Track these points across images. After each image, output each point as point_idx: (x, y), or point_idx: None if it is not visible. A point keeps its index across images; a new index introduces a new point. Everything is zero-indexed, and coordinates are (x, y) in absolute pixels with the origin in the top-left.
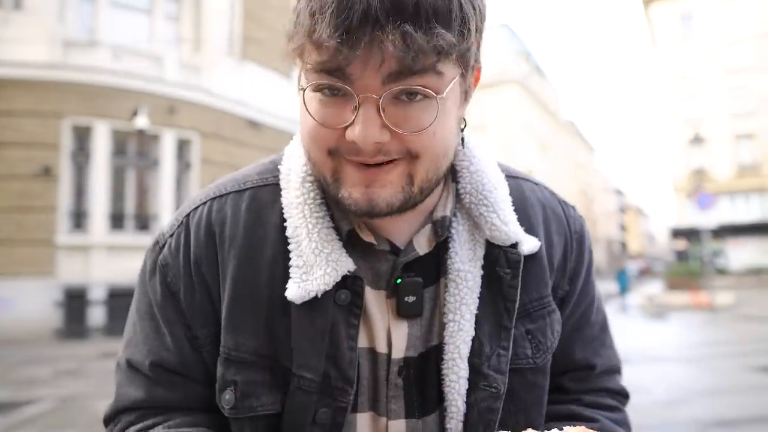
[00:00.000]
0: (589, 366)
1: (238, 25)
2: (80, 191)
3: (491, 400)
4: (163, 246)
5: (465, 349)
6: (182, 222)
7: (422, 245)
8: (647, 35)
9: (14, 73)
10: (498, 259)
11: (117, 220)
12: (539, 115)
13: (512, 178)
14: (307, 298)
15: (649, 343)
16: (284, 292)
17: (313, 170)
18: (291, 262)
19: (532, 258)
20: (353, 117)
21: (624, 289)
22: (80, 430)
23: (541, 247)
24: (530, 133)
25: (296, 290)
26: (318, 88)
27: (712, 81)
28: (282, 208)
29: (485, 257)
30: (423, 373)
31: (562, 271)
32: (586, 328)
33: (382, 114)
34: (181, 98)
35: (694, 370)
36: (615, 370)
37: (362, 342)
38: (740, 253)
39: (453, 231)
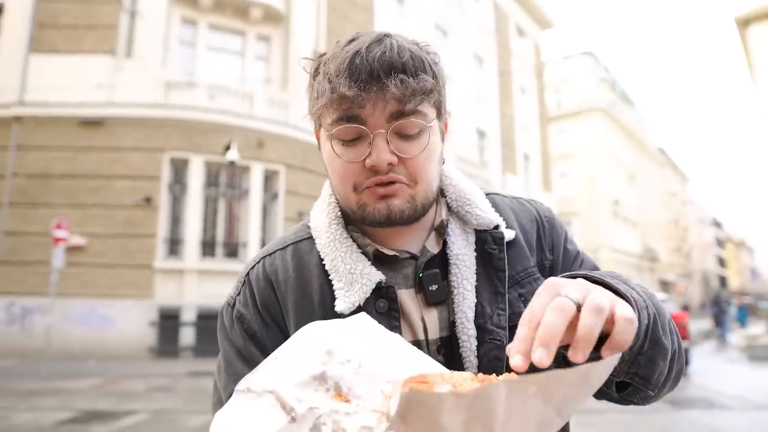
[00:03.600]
0: None
1: None
2: (176, 219)
3: (497, 350)
4: (234, 304)
5: (470, 313)
6: (244, 281)
7: (433, 247)
8: (743, 59)
9: (124, 113)
10: (486, 240)
11: (208, 247)
12: (626, 143)
13: (486, 194)
14: (353, 308)
15: (749, 387)
16: (335, 308)
17: (343, 205)
18: (334, 287)
19: (512, 243)
20: (368, 150)
21: (743, 322)
22: None
23: (517, 234)
24: (617, 162)
25: (343, 304)
26: (340, 137)
27: None
28: (318, 252)
29: (476, 243)
30: (456, 347)
31: (540, 247)
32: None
33: (389, 144)
34: (269, 132)
35: None
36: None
37: (406, 337)
38: None
39: (449, 230)
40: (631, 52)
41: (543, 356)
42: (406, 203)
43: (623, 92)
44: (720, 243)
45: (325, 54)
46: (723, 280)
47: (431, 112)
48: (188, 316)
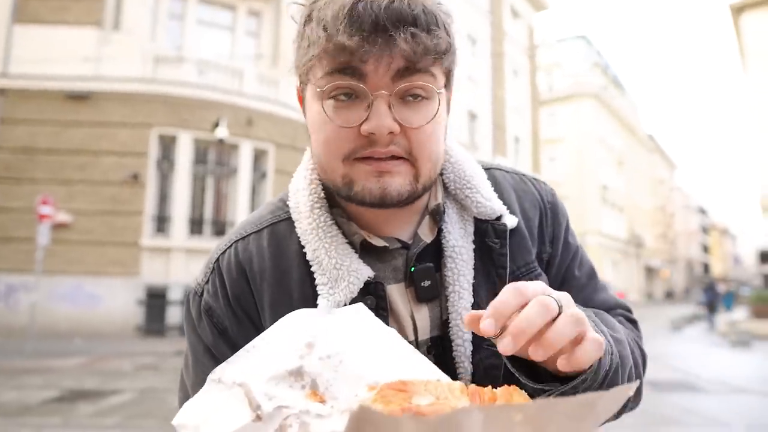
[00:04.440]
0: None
1: None
2: (164, 197)
3: (494, 357)
4: (202, 293)
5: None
6: (213, 268)
7: (426, 234)
8: (736, 46)
9: (111, 87)
10: (486, 232)
11: (196, 225)
12: (616, 129)
13: (486, 169)
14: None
15: (731, 372)
16: (317, 306)
17: (325, 178)
18: (317, 281)
19: (513, 231)
20: (367, 114)
21: (729, 306)
22: (157, 421)
23: (519, 221)
24: (606, 148)
25: (326, 304)
26: (332, 94)
27: None
28: (298, 237)
29: (475, 233)
30: (448, 347)
31: (541, 237)
32: (572, 279)
33: (392, 110)
34: (259, 110)
35: None
36: (615, 307)
37: None
38: None
39: (446, 216)
40: (624, 37)
41: (508, 346)
42: (406, 184)
43: (615, 77)
44: (704, 230)
45: (309, 4)
46: (706, 267)
47: (441, 78)
48: (175, 294)
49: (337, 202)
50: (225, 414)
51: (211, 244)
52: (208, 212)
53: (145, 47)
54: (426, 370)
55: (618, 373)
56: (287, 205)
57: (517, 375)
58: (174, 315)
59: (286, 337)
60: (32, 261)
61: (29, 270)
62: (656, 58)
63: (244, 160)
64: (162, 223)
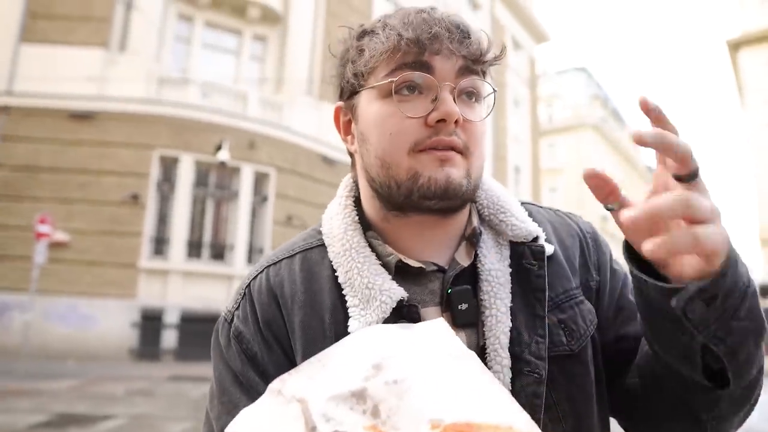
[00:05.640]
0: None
1: (318, 66)
2: (163, 218)
3: (535, 385)
4: (232, 320)
5: (504, 339)
6: (244, 293)
7: (463, 259)
8: (734, 82)
9: (114, 107)
10: (523, 254)
11: (194, 248)
12: (615, 160)
13: (521, 203)
14: None
15: None
16: (348, 329)
17: (385, 179)
18: (348, 303)
19: (550, 259)
20: (433, 106)
21: None
22: None
23: (556, 249)
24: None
25: (357, 325)
26: (397, 89)
27: None
28: (331, 262)
29: (511, 257)
30: None
31: (585, 266)
32: (629, 305)
33: (455, 102)
34: (262, 134)
35: None
36: None
37: None
38: None
39: (482, 241)
40: (623, 70)
41: (629, 216)
42: (464, 176)
43: (614, 109)
44: None
45: (363, 25)
46: None
47: (488, 86)
48: (171, 317)
49: (372, 225)
50: (279, 430)
51: (209, 268)
52: (207, 235)
53: (150, 69)
54: (502, 408)
55: (761, 312)
56: (320, 233)
57: (628, 258)
58: (169, 339)
59: (355, 354)
60: (28, 280)
61: (24, 289)
62: (655, 92)
63: (245, 184)
64: (160, 244)
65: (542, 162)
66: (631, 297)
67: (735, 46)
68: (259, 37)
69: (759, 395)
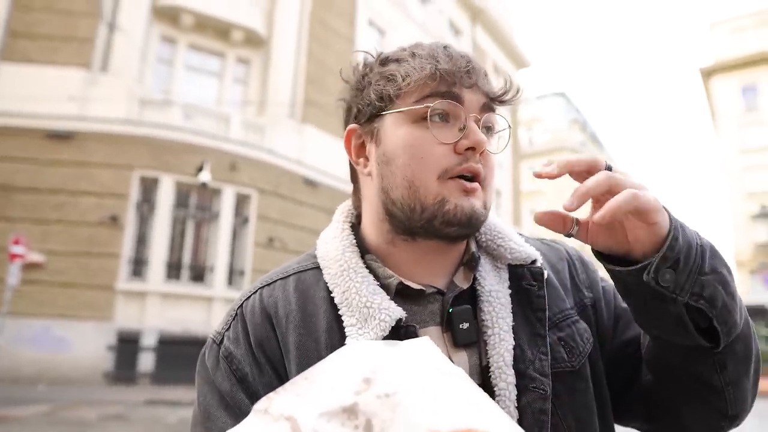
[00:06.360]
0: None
1: (301, 89)
2: (142, 239)
3: (541, 401)
4: (221, 341)
5: (509, 357)
6: (235, 314)
7: (461, 282)
8: (707, 108)
9: (95, 128)
10: (523, 275)
11: (174, 270)
12: None
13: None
14: None
15: None
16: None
17: (410, 203)
18: (345, 323)
19: (546, 282)
20: (461, 134)
21: None
22: None
23: (549, 273)
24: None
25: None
26: (428, 116)
27: None
28: (326, 284)
29: (511, 279)
30: (490, 394)
31: (575, 286)
32: (625, 313)
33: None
34: (243, 155)
35: None
36: None
37: None
38: None
39: (480, 266)
40: (602, 95)
41: (572, 203)
42: (482, 206)
43: (593, 134)
44: None
45: (383, 53)
46: None
47: (503, 123)
48: (149, 340)
49: (371, 249)
50: None
51: (188, 289)
52: (186, 257)
53: (132, 89)
54: (493, 418)
55: (723, 268)
56: (315, 256)
57: (601, 261)
58: (146, 362)
59: (343, 370)
60: (0, 302)
61: None
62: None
63: (226, 205)
64: (139, 266)
65: (523, 185)
66: (624, 305)
67: (708, 74)
68: (243, 59)
69: (758, 350)
